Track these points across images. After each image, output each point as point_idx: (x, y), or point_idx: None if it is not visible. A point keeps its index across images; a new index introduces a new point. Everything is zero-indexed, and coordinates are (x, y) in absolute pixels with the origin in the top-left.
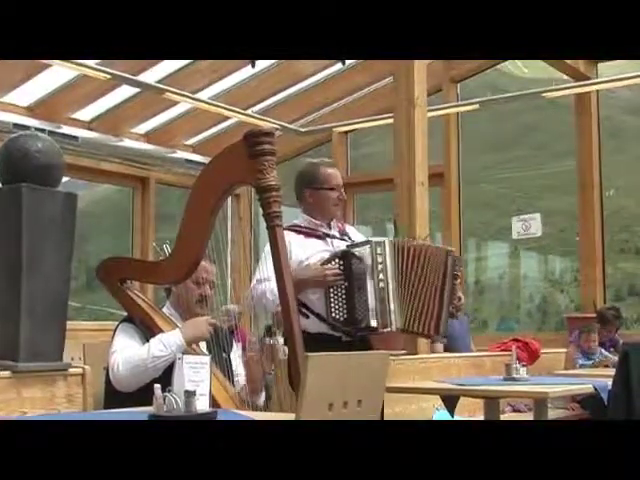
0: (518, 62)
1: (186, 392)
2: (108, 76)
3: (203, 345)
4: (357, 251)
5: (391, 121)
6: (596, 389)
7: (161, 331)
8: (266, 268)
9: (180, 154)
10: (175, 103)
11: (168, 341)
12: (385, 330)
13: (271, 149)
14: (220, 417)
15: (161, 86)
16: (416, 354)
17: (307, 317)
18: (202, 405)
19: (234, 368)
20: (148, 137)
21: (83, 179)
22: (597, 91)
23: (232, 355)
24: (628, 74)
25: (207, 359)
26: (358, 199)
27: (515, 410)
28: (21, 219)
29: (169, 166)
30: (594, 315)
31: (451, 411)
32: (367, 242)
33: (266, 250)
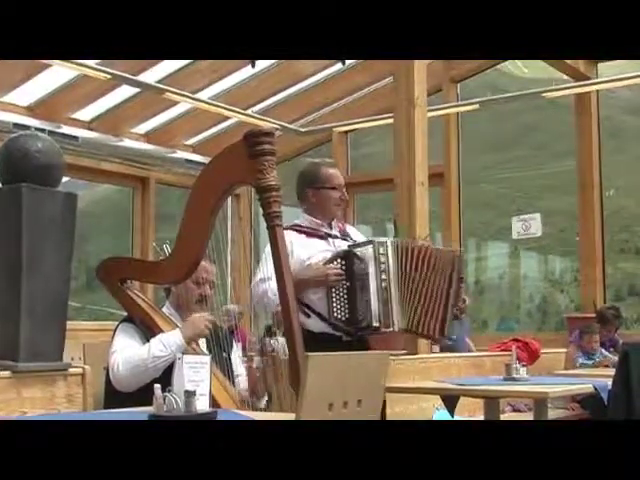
0: (518, 62)
1: (186, 392)
2: (108, 76)
3: (203, 345)
4: (359, 251)
5: (391, 121)
6: (596, 389)
7: (161, 331)
8: (267, 268)
9: (180, 154)
10: (175, 103)
11: (168, 341)
12: (387, 330)
13: (271, 149)
14: (220, 417)
15: (161, 86)
16: (416, 354)
17: (308, 316)
18: (202, 405)
19: (234, 368)
20: (148, 137)
21: (83, 179)
22: (597, 91)
23: (232, 355)
24: (628, 74)
25: (207, 359)
26: (358, 199)
27: (515, 410)
28: (21, 219)
29: (169, 166)
30: (594, 315)
31: (451, 411)
32: (369, 242)
33: (267, 250)
